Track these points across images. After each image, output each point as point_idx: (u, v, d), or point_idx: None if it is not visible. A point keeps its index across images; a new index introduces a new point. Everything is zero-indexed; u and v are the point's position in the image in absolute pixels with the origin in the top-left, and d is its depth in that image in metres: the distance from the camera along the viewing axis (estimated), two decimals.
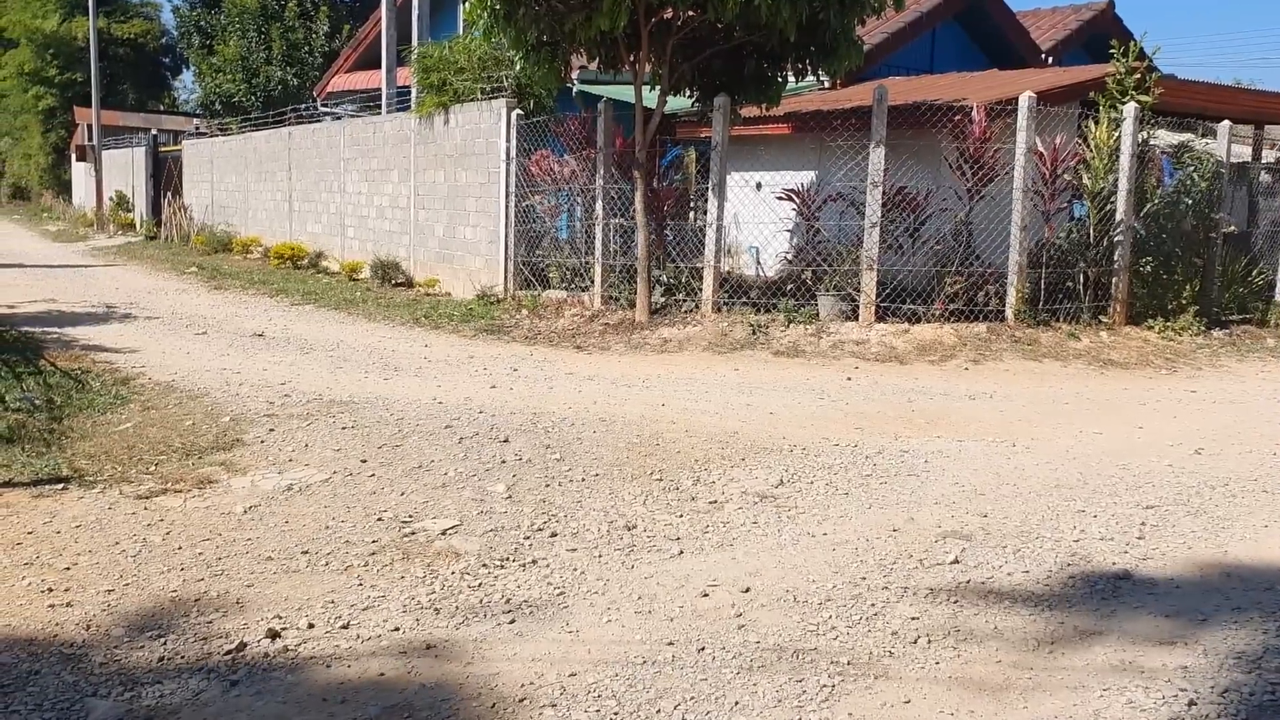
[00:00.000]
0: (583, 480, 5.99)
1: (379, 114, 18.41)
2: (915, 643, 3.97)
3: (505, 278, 13.68)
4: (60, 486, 5.61)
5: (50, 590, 4.32)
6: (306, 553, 4.80)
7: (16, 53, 46.90)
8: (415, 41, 17.38)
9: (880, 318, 10.82)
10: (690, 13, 10.84)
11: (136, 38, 47.33)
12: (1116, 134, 11.20)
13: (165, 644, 3.86)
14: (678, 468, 6.26)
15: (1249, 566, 4.82)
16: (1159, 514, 5.54)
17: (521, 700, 3.51)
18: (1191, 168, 12.02)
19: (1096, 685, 3.65)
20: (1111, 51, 11.81)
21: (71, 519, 5.14)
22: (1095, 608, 4.32)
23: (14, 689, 3.52)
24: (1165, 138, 12.53)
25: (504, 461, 6.27)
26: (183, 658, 3.77)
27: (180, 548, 4.82)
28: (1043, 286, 11.04)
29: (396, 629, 4.05)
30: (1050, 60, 17.77)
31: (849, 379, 9.21)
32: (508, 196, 13.61)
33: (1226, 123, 12.40)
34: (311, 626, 4.03)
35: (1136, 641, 4.00)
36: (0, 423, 6.60)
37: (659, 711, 3.46)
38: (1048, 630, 4.10)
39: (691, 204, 13.24)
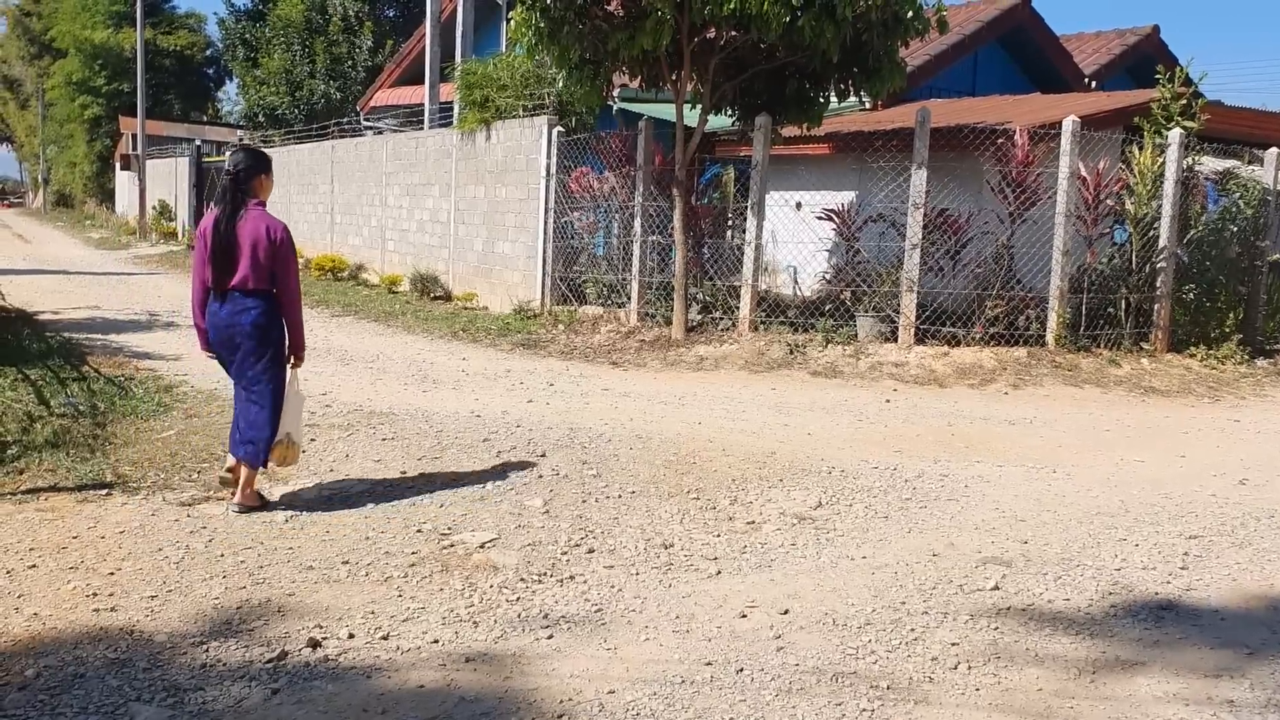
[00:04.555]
0: (619, 497, 5.99)
1: (421, 129, 18.58)
2: (955, 668, 3.94)
3: (542, 293, 13.75)
4: (104, 492, 5.68)
5: (95, 595, 4.37)
6: (347, 563, 4.83)
7: (65, 62, 47.85)
8: (459, 58, 17.54)
9: (919, 340, 10.77)
10: (733, 33, 10.89)
11: (182, 49, 48.10)
12: (1161, 159, 11.10)
13: (207, 650, 3.90)
14: (715, 487, 6.25)
15: None
16: (1203, 544, 5.47)
17: (560, 716, 3.51)
18: (1237, 195, 11.90)
19: (1140, 716, 3.61)
20: (1157, 76, 11.75)
21: (115, 524, 5.20)
22: (1138, 637, 4.27)
23: (60, 691, 3.56)
24: (1210, 164, 12.39)
25: (541, 476, 6.29)
26: (225, 664, 3.80)
27: (222, 555, 4.87)
28: (1084, 312, 10.96)
29: (436, 641, 4.06)
30: (1093, 84, 17.66)
31: (888, 401, 9.17)
32: (547, 212, 13.69)
33: (1274, 150, 12.25)
34: (352, 636, 4.06)
35: (1181, 673, 3.95)
36: (46, 428, 6.70)
37: None
38: (1090, 659, 4.05)
39: (729, 222, 13.24)
